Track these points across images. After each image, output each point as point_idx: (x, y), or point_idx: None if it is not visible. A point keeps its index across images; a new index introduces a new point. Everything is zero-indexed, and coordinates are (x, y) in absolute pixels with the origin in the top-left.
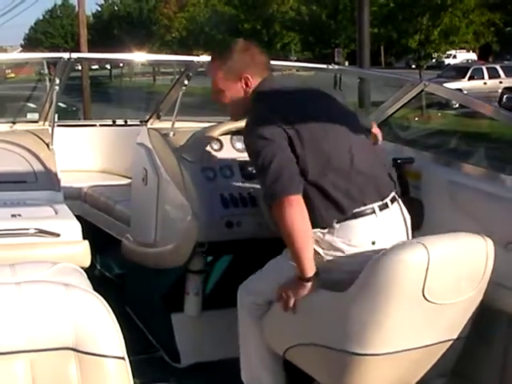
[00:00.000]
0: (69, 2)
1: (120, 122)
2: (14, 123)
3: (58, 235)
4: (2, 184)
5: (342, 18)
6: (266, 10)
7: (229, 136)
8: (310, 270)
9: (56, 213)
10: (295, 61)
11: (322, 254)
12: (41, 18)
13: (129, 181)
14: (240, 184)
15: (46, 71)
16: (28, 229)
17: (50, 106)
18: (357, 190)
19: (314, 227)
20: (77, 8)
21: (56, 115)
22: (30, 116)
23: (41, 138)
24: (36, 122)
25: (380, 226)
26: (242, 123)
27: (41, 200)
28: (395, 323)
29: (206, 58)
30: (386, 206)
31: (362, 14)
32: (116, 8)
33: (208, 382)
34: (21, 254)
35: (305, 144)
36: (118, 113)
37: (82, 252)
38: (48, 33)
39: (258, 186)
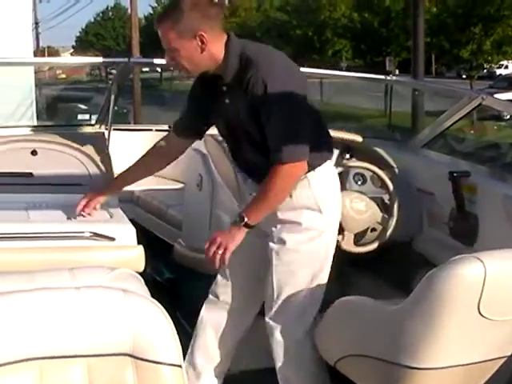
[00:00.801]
0: (121, 5)
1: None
2: (70, 126)
3: (113, 239)
4: (57, 186)
5: (393, 26)
6: (318, 17)
7: None
8: (257, 221)
9: (111, 217)
10: (346, 67)
11: None
12: (92, 20)
13: (181, 185)
14: None
15: (98, 72)
16: (83, 232)
17: (107, 110)
18: None
19: None
20: (129, 11)
21: None
22: (80, 117)
23: (97, 141)
24: (92, 125)
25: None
26: None
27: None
28: (449, 338)
29: None
30: None
31: (418, 23)
32: None
33: None
34: (75, 256)
35: None
36: (168, 116)
37: (137, 257)
38: (99, 35)
39: None
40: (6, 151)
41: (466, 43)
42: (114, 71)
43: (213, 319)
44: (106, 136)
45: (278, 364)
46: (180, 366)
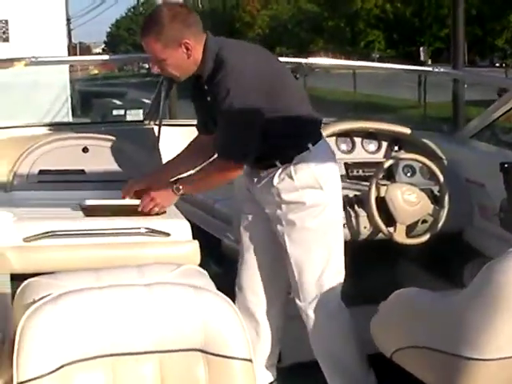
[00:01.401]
0: (152, 0)
1: None
2: (120, 122)
3: (169, 235)
4: (109, 183)
5: (426, 16)
6: (350, 8)
7: (333, 138)
8: (189, 193)
9: (165, 212)
10: (378, 58)
11: None
12: (124, 15)
13: None
14: (346, 185)
15: (130, 67)
16: (139, 228)
17: (157, 105)
18: None
19: None
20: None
21: (141, 110)
22: (115, 112)
23: (148, 138)
24: (142, 121)
25: None
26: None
27: None
28: (510, 328)
29: (312, 59)
30: None
31: (457, 12)
32: (200, 5)
33: (308, 382)
34: (132, 252)
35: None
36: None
37: (192, 252)
38: (131, 29)
39: (366, 189)
40: (58, 149)
41: (500, 31)
42: (145, 65)
43: (246, 312)
44: (156, 132)
45: (314, 341)
46: (250, 361)
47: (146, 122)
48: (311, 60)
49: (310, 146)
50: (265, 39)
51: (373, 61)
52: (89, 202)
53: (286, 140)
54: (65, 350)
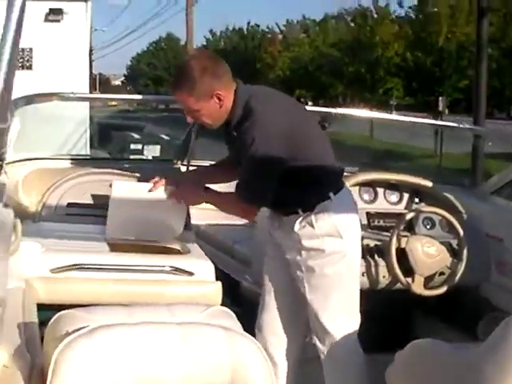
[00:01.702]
0: (173, 35)
1: None
2: (148, 160)
3: (192, 274)
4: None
5: (447, 66)
6: (371, 55)
7: (357, 188)
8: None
9: (189, 252)
10: (395, 106)
11: None
12: (145, 49)
13: (245, 221)
14: (367, 235)
15: None
16: (164, 266)
17: (187, 146)
18: None
19: None
20: (181, 42)
21: (158, 146)
22: (133, 146)
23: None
24: (171, 160)
25: None
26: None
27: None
28: None
29: (342, 110)
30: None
31: (480, 67)
32: (222, 43)
33: None
34: (156, 290)
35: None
36: (221, 148)
37: (214, 292)
38: (151, 64)
39: (387, 239)
40: (87, 183)
41: None
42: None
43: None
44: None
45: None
46: None
47: (175, 161)
48: (341, 110)
49: (331, 195)
50: (285, 81)
51: (390, 108)
52: (116, 184)
53: (308, 188)
54: (96, 382)
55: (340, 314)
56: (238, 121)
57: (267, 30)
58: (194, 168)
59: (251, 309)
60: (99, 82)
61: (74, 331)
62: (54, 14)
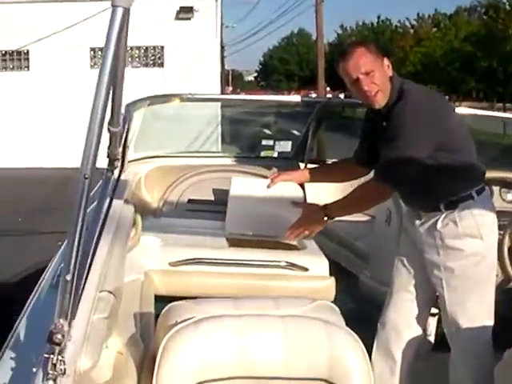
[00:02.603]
0: (305, 31)
1: None
2: (266, 158)
3: (307, 269)
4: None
5: None
6: (504, 48)
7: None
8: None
9: (305, 248)
10: None
11: None
12: (277, 44)
13: (368, 218)
14: None
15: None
16: (280, 261)
17: (304, 145)
18: None
19: None
20: (313, 37)
21: (290, 142)
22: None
23: None
24: (290, 158)
25: None
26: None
27: None
28: None
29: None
30: None
31: None
32: (353, 38)
33: None
34: (271, 284)
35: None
36: (351, 143)
37: (328, 288)
38: (283, 59)
39: (500, 237)
40: (207, 180)
41: None
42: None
43: (384, 351)
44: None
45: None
46: None
47: (294, 160)
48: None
49: (474, 194)
50: (416, 76)
51: None
52: (235, 180)
53: (453, 186)
54: (202, 369)
55: (477, 316)
56: (391, 106)
57: (398, 24)
58: (313, 166)
59: (368, 304)
60: (232, 78)
61: (181, 321)
62: (185, 12)
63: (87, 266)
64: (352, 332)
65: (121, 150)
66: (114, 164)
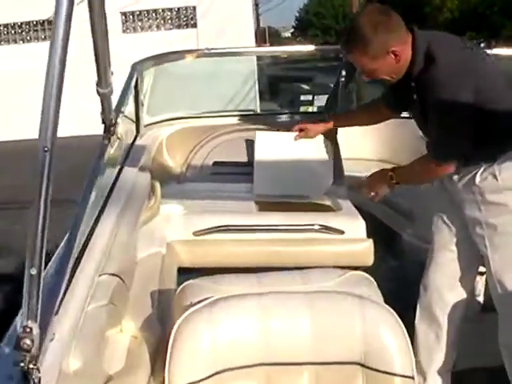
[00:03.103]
0: None
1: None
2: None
3: (343, 232)
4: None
5: None
6: None
7: None
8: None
9: (340, 209)
10: None
11: None
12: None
13: None
14: None
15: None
16: (313, 225)
17: (335, 98)
18: None
19: None
20: None
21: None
22: (303, 98)
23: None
24: (320, 112)
25: None
26: None
27: (325, 193)
28: None
29: None
30: None
31: None
32: None
33: None
34: (305, 249)
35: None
36: None
37: (366, 251)
38: (319, 13)
39: None
40: (234, 140)
41: None
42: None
43: (428, 314)
44: None
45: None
46: (413, 378)
47: (326, 113)
48: None
49: None
50: (454, 23)
51: None
52: (259, 134)
53: (491, 138)
54: (219, 356)
55: None
56: (420, 71)
57: None
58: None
59: (410, 262)
60: (268, 35)
61: (197, 302)
62: None
63: (79, 249)
64: (391, 309)
65: (134, 111)
66: (110, 130)
